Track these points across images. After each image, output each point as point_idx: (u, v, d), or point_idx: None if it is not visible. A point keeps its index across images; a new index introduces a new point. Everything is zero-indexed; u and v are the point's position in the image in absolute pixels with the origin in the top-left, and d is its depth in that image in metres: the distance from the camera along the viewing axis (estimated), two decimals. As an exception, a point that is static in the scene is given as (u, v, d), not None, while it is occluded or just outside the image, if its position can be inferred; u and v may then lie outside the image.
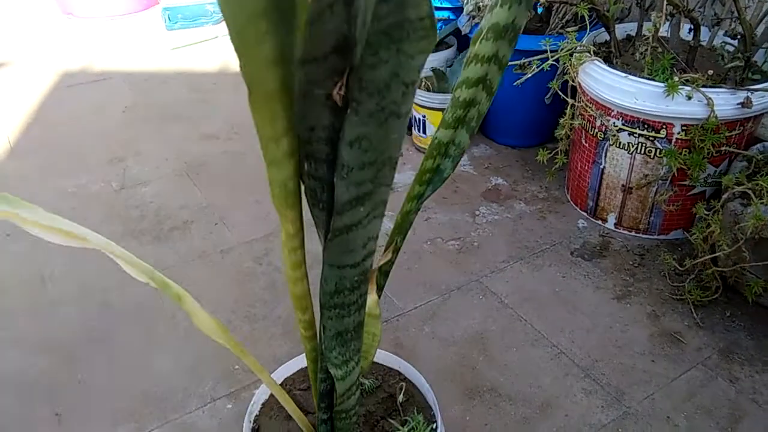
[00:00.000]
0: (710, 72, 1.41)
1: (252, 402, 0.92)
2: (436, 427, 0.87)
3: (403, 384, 0.94)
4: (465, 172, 1.95)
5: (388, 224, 1.59)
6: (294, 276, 0.65)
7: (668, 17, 1.48)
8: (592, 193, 1.70)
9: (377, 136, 0.48)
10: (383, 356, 0.98)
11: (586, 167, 1.69)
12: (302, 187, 0.56)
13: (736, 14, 1.41)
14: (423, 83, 2.00)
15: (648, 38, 1.43)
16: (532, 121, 1.98)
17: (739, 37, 1.43)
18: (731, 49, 1.53)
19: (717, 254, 1.36)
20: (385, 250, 0.73)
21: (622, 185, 1.61)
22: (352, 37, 0.43)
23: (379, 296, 0.74)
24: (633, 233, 1.67)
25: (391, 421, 0.88)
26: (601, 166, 1.64)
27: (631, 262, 1.58)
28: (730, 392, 1.25)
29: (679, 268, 1.47)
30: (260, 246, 1.65)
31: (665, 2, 1.32)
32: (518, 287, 1.51)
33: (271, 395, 0.94)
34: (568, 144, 1.71)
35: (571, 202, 1.80)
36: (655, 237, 1.65)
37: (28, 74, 2.62)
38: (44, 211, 0.57)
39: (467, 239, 1.67)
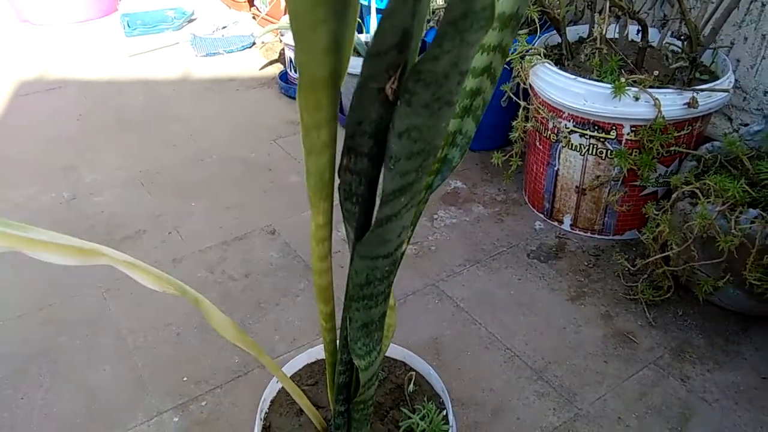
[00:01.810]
0: (656, 73, 1.42)
1: (262, 399, 0.92)
2: (447, 413, 0.87)
3: (413, 374, 0.95)
4: (423, 176, 1.94)
5: (342, 230, 1.57)
6: (320, 267, 0.67)
7: (615, 19, 1.49)
8: (548, 195, 1.71)
9: (428, 126, 0.49)
10: (390, 348, 0.98)
11: (541, 169, 1.69)
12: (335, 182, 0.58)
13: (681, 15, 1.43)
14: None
15: (595, 39, 1.44)
16: (491, 124, 1.97)
17: (682, 37, 1.44)
18: (677, 50, 1.55)
19: (667, 253, 1.37)
20: None
21: (576, 186, 1.62)
22: (412, 31, 0.45)
23: None
24: (588, 234, 1.68)
25: (403, 410, 0.88)
26: (555, 168, 1.64)
27: (586, 263, 1.59)
28: (680, 391, 1.25)
29: (632, 268, 1.47)
30: (214, 255, 1.62)
31: (607, 3, 1.33)
32: (474, 291, 1.50)
33: (279, 392, 0.95)
34: (524, 146, 1.72)
35: (529, 204, 1.81)
36: (610, 237, 1.66)
37: (-19, 83, 2.56)
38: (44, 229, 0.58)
39: (425, 243, 1.66)
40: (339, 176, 0.57)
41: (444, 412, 0.89)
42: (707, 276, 1.36)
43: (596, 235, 1.67)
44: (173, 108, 2.38)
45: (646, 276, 1.46)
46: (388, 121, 0.50)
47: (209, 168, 2.00)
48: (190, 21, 3.18)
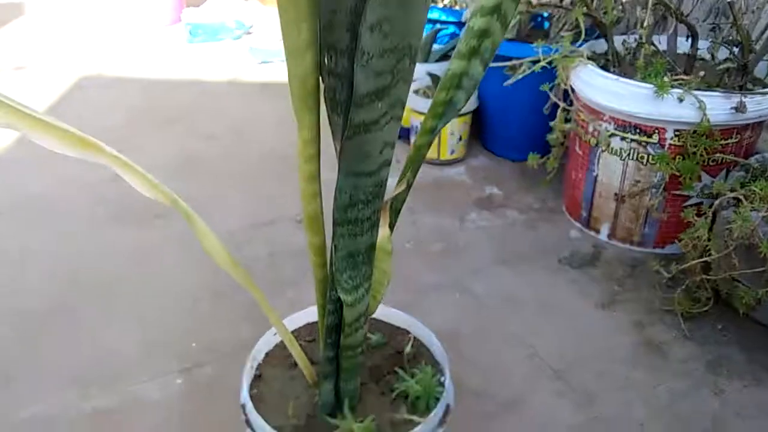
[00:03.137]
0: (702, 73, 1.37)
1: (255, 348, 0.90)
2: (444, 378, 0.83)
3: (411, 336, 0.91)
4: (460, 180, 1.92)
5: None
6: (308, 191, 0.65)
7: (660, 20, 1.45)
8: (585, 202, 1.65)
9: (398, 18, 0.47)
10: (393, 314, 0.96)
11: (580, 175, 1.64)
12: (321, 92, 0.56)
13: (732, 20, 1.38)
14: (422, 91, 1.99)
15: (640, 38, 1.40)
16: (532, 133, 1.94)
17: (733, 42, 1.39)
18: (725, 52, 1.49)
19: (705, 259, 1.29)
20: (397, 184, 0.72)
21: (615, 194, 1.56)
22: None
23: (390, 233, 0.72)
24: (627, 245, 1.60)
25: (398, 371, 0.85)
26: (594, 174, 1.59)
27: (621, 273, 1.51)
28: (713, 404, 1.16)
29: (666, 274, 1.39)
30: (242, 236, 1.63)
31: (650, 1, 1.30)
32: (499, 289, 1.45)
33: (275, 347, 0.92)
34: (563, 150, 1.67)
35: (566, 213, 1.75)
36: (650, 250, 1.58)
37: (46, 76, 2.70)
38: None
39: (452, 242, 1.62)
40: (323, 80, 0.55)
41: (440, 378, 0.84)
42: (748, 288, 1.27)
43: (635, 247, 1.59)
44: (222, 106, 2.45)
45: (683, 287, 1.38)
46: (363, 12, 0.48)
47: (248, 161, 2.03)
48: (249, 33, 3.29)
